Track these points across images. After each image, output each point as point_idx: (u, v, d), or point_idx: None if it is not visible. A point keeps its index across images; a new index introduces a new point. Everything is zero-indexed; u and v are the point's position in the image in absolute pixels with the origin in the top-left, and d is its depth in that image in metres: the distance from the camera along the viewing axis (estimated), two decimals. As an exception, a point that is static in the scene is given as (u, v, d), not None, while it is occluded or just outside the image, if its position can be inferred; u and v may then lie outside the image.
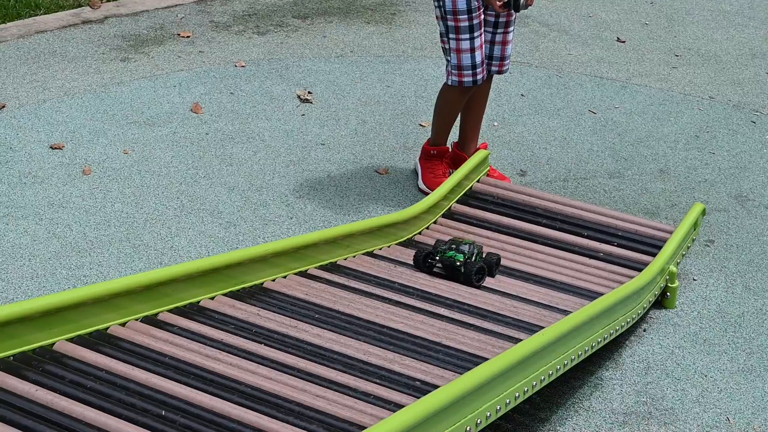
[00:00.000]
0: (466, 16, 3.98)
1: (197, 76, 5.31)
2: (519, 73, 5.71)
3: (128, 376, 2.28)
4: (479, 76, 4.09)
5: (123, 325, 2.56)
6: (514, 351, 2.51)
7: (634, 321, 3.41)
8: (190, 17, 6.14)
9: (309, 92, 5.21)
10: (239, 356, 2.49)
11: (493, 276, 3.55)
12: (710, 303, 3.76)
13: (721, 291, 3.84)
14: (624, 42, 6.30)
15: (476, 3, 3.98)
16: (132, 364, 2.33)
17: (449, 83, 4.14)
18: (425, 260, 3.52)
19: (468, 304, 3.19)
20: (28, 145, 4.47)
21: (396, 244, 3.71)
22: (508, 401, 2.51)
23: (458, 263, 3.46)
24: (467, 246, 3.49)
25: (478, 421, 2.37)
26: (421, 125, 4.95)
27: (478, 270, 3.45)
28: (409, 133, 4.89)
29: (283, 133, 4.79)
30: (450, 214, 4.00)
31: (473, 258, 3.49)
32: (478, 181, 4.20)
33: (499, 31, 4.14)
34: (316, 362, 2.53)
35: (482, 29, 4.06)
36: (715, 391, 3.27)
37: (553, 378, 2.79)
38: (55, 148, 4.47)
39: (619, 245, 3.85)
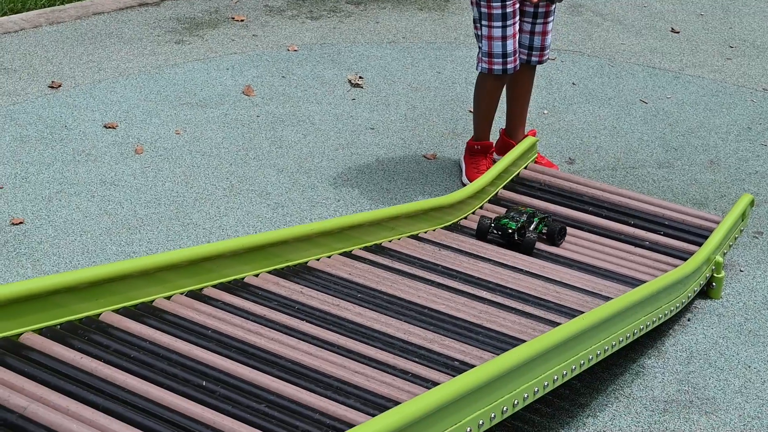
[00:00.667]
0: (499, 3, 3.97)
1: (250, 59, 5.37)
2: (571, 61, 5.69)
3: (171, 347, 2.33)
4: (510, 65, 4.08)
5: (168, 298, 2.61)
6: (552, 334, 2.52)
7: (678, 310, 3.40)
8: (244, 1, 6.19)
9: (360, 77, 5.24)
10: (281, 332, 2.53)
11: (556, 245, 3.69)
12: (757, 294, 3.74)
13: (768, 283, 3.82)
14: (678, 32, 6.26)
15: (511, -9, 3.98)
16: (175, 336, 2.38)
17: (479, 70, 4.14)
18: (488, 227, 3.67)
19: (511, 288, 3.20)
20: (83, 124, 4.55)
21: (441, 228, 3.73)
22: (546, 383, 2.52)
23: (510, 230, 3.59)
24: (525, 215, 3.62)
25: (515, 402, 2.39)
26: (470, 111, 4.96)
27: (529, 242, 3.59)
28: (459, 119, 4.90)
29: (333, 116, 4.83)
30: (496, 200, 4.01)
31: (531, 226, 3.63)
32: (525, 168, 4.20)
33: (538, 21, 4.13)
34: (356, 340, 2.57)
35: (516, 18, 4.04)
36: (758, 382, 3.26)
37: (593, 363, 2.80)
38: (109, 127, 4.54)
39: (665, 234, 3.84)
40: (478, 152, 4.34)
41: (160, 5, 6.00)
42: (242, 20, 5.86)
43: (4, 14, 5.65)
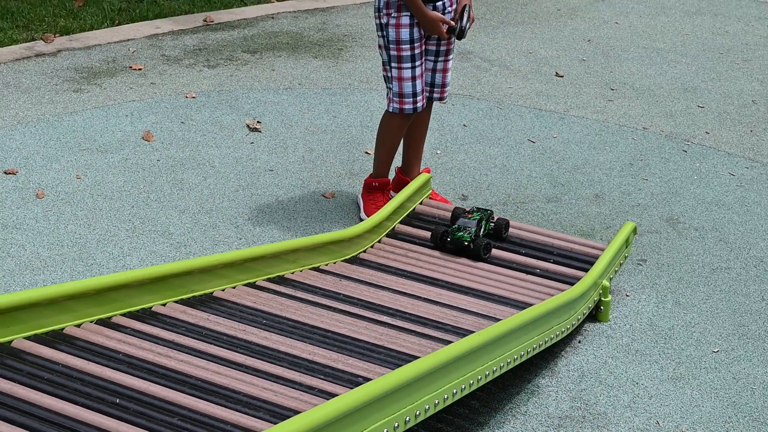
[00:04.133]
0: (408, 46, 4.16)
1: (149, 106, 5.45)
2: (461, 104, 5.91)
3: (83, 369, 2.40)
4: (419, 104, 4.27)
5: (78, 326, 2.68)
6: (449, 349, 2.66)
7: (568, 332, 3.57)
8: (141, 51, 6.28)
9: (258, 122, 5.36)
10: (190, 354, 2.62)
11: (502, 239, 4.10)
12: (642, 317, 3.94)
13: (653, 306, 4.02)
14: (562, 77, 6.54)
15: (418, 34, 4.16)
16: (87, 360, 2.46)
17: (390, 110, 4.31)
18: (442, 238, 3.99)
19: (410, 314, 3.34)
20: (-18, 171, 4.58)
21: (341, 261, 3.85)
22: (446, 396, 2.65)
23: (466, 243, 3.93)
24: (474, 222, 3.98)
25: (417, 413, 2.51)
26: (366, 152, 5.13)
27: (485, 247, 3.95)
28: (355, 160, 5.06)
29: (232, 159, 4.94)
30: (394, 234, 4.16)
31: (481, 233, 4.01)
32: (420, 203, 4.36)
33: (440, 59, 4.32)
34: (263, 360, 2.67)
35: (423, 59, 4.24)
36: (646, 397, 3.44)
37: (489, 379, 2.94)
38: (9, 173, 4.58)
39: (554, 262, 4.02)
40: (376, 189, 4.49)
41: (57, 55, 6.05)
42: (140, 69, 5.95)
43: None
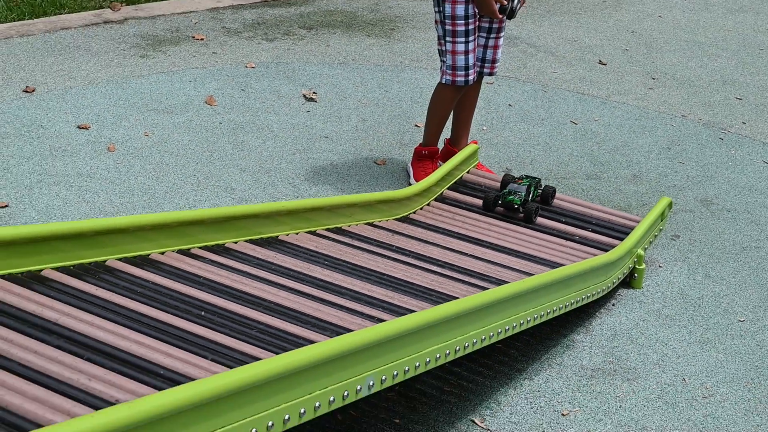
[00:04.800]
0: (463, 21, 4.42)
1: (210, 73, 5.74)
2: (507, 86, 6.16)
3: (170, 287, 2.68)
4: (471, 77, 4.53)
5: (161, 254, 2.96)
6: (492, 292, 2.92)
7: (603, 293, 3.82)
8: (203, 22, 6.58)
9: (314, 92, 5.64)
10: (262, 282, 2.90)
11: (549, 205, 4.39)
12: (673, 286, 4.18)
13: (684, 277, 4.26)
14: (605, 64, 6.77)
15: (472, 10, 4.42)
16: (172, 280, 2.74)
17: (443, 82, 4.57)
18: (494, 202, 4.27)
19: (457, 266, 3.60)
20: (57, 124, 4.88)
21: (393, 219, 4.12)
22: (491, 334, 2.92)
23: (516, 206, 4.22)
24: (524, 188, 4.25)
25: (466, 345, 2.78)
26: (416, 125, 5.39)
27: (534, 210, 4.24)
28: (405, 132, 5.32)
29: (289, 126, 5.22)
30: (442, 198, 4.42)
31: (530, 197, 4.28)
32: (467, 172, 4.62)
33: (492, 36, 4.58)
34: (327, 292, 2.94)
35: (476, 34, 4.50)
36: (674, 357, 3.68)
37: (527, 326, 3.20)
38: (82, 128, 4.88)
39: (593, 231, 4.27)
40: (425, 156, 4.76)
41: (124, 23, 6.35)
42: (202, 39, 6.24)
43: (-24, 25, 5.96)
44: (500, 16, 4.45)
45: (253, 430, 1.98)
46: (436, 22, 4.53)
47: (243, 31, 6.51)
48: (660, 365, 3.61)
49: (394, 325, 2.42)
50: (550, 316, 3.37)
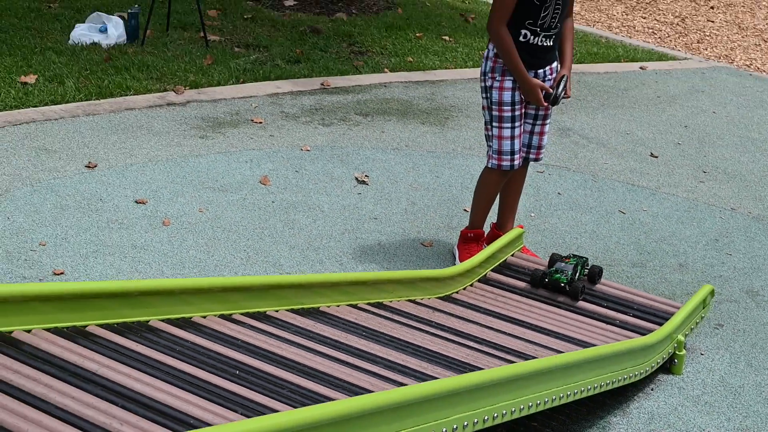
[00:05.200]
0: (509, 108, 4.55)
1: (267, 155, 5.92)
2: (558, 175, 6.25)
3: (208, 347, 2.79)
4: (516, 162, 4.64)
5: (203, 317, 3.07)
6: (517, 366, 2.98)
7: (640, 376, 3.84)
8: (263, 107, 6.78)
9: (366, 176, 5.78)
10: (299, 348, 2.99)
11: (595, 284, 4.48)
12: (714, 374, 4.19)
13: (726, 365, 4.27)
14: (657, 157, 6.84)
15: (519, 97, 4.54)
16: (211, 341, 2.84)
17: (489, 166, 4.68)
18: (542, 280, 4.37)
19: (495, 343, 3.66)
20: (116, 198, 5.06)
21: (435, 298, 4.20)
22: (513, 410, 2.96)
23: (562, 284, 4.32)
24: (571, 267, 4.34)
25: (486, 418, 2.82)
26: (465, 210, 5.49)
27: (581, 289, 4.34)
28: (454, 216, 5.42)
29: (340, 207, 5.35)
30: (485, 280, 4.49)
31: (576, 276, 4.36)
32: (512, 255, 4.69)
33: (537, 123, 4.69)
34: (362, 360, 3.02)
35: (522, 120, 4.62)
36: (711, 443, 3.69)
37: (560, 402, 3.23)
38: (140, 202, 5.05)
39: (634, 315, 4.31)
40: (471, 240, 4.84)
41: (186, 106, 6.58)
42: (260, 122, 6.44)
43: (46, 105, 6.21)
44: (545, 104, 4.57)
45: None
46: (483, 108, 4.66)
47: (300, 116, 6.70)
48: (697, 451, 3.62)
49: (416, 388, 2.49)
50: (583, 395, 3.40)
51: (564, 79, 4.58)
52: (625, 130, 7.39)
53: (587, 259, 4.49)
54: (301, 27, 9.03)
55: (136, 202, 5.06)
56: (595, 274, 4.48)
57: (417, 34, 9.33)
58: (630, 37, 11.02)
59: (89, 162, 5.45)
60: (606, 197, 6.02)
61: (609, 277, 4.93)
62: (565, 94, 4.62)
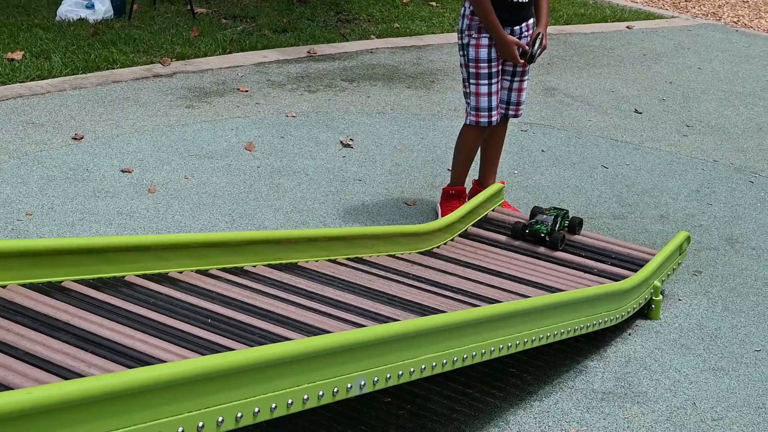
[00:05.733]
0: (486, 65, 4.61)
1: (252, 122, 5.99)
2: (542, 133, 6.31)
3: (183, 299, 2.86)
4: (494, 118, 4.70)
5: (180, 272, 3.14)
6: (499, 306, 3.06)
7: (616, 321, 3.91)
8: (249, 76, 6.85)
9: (351, 139, 5.85)
10: (273, 299, 3.06)
11: (576, 234, 4.56)
12: (691, 318, 4.26)
13: (703, 310, 4.34)
14: (641, 113, 6.90)
15: (495, 54, 4.60)
16: (186, 294, 2.92)
17: (467, 123, 4.75)
18: (522, 232, 4.44)
19: (472, 292, 3.73)
20: (102, 168, 5.13)
21: (416, 252, 4.27)
22: (492, 349, 3.04)
23: (542, 234, 4.39)
24: (551, 218, 4.41)
25: (455, 359, 2.90)
26: (448, 169, 5.54)
27: (561, 239, 4.41)
28: (437, 175, 5.49)
29: (325, 170, 5.42)
30: (466, 234, 4.57)
31: (557, 227, 4.43)
32: (493, 210, 4.76)
33: (516, 79, 4.75)
34: (336, 309, 3.10)
35: (499, 77, 4.67)
36: (686, 383, 3.76)
37: (534, 345, 3.31)
38: (126, 171, 5.12)
39: (612, 264, 4.38)
40: (452, 196, 4.92)
41: (173, 77, 6.65)
42: (246, 91, 6.50)
43: (33, 80, 6.28)
44: (521, 61, 4.62)
45: (239, 414, 2.13)
46: (460, 65, 4.72)
47: (287, 84, 6.76)
48: (671, 390, 3.70)
49: (384, 328, 2.57)
50: (557, 338, 3.48)
51: (540, 36, 4.63)
52: (610, 88, 7.44)
53: (567, 211, 4.56)
54: (287, -3, 9.08)
55: (122, 171, 5.13)
56: (575, 225, 4.56)
57: (404, 1, 9.37)
58: (618, -3, 11.06)
59: (76, 134, 5.53)
60: (589, 153, 6.08)
61: (591, 229, 5.00)
62: (541, 45, 4.66)
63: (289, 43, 7.67)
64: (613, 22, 9.59)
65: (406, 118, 6.34)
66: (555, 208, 4.54)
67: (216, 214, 4.76)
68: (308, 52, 7.48)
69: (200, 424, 2.01)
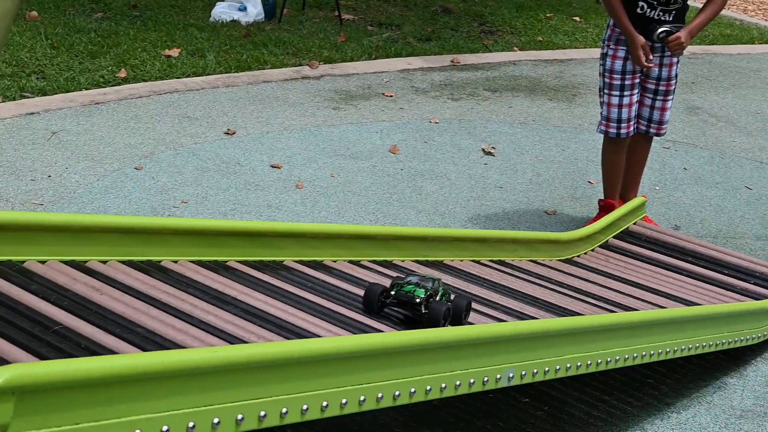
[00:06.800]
0: (619, 76, 4.64)
1: (397, 126, 6.11)
2: (685, 151, 6.28)
3: (339, 285, 2.98)
4: (623, 131, 4.71)
5: (334, 261, 3.26)
6: (637, 314, 3.09)
7: (756, 340, 3.89)
8: (394, 82, 6.99)
9: (493, 147, 5.92)
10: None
11: (461, 324, 2.80)
12: (836, 343, 4.20)
13: None
14: (788, 136, 6.80)
15: (631, 67, 4.62)
16: (343, 282, 3.03)
17: (597, 131, 4.79)
18: (379, 298, 2.78)
19: (611, 300, 3.76)
20: (253, 163, 5.32)
21: (556, 260, 4.32)
22: (627, 357, 3.07)
23: (417, 300, 2.73)
24: (431, 281, 2.82)
25: (608, 360, 2.95)
26: (589, 182, 5.58)
27: (446, 311, 2.74)
28: (578, 187, 5.52)
29: (466, 176, 5.51)
30: (607, 246, 4.59)
31: (437, 296, 2.80)
32: (634, 224, 4.77)
33: (658, 98, 4.76)
34: (483, 306, 3.17)
35: (634, 91, 4.68)
36: (830, 408, 3.72)
37: (673, 355, 3.33)
38: (275, 167, 5.30)
39: (755, 283, 4.35)
40: (601, 209, 4.95)
41: (320, 79, 6.83)
42: (391, 96, 6.64)
43: (188, 76, 6.53)
44: (645, 64, 4.60)
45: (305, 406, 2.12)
46: (599, 74, 4.76)
47: (430, 91, 6.87)
48: (814, 414, 3.66)
49: (535, 324, 2.64)
50: (696, 351, 3.49)
51: (678, 31, 4.56)
52: (756, 110, 7.34)
53: (449, 291, 2.91)
54: (432, 7, 9.20)
55: (271, 166, 5.31)
56: (462, 308, 2.83)
57: (547, 15, 9.40)
58: (766, 20, 10.86)
59: (228, 129, 5.73)
60: (733, 173, 6.02)
61: (733, 249, 4.96)
62: (673, 35, 4.56)
63: (433, 52, 7.79)
64: (760, 44, 9.44)
65: (547, 130, 6.39)
66: (438, 279, 2.88)
67: (360, 212, 4.89)
68: (452, 61, 7.58)
69: (373, 396, 2.14)
